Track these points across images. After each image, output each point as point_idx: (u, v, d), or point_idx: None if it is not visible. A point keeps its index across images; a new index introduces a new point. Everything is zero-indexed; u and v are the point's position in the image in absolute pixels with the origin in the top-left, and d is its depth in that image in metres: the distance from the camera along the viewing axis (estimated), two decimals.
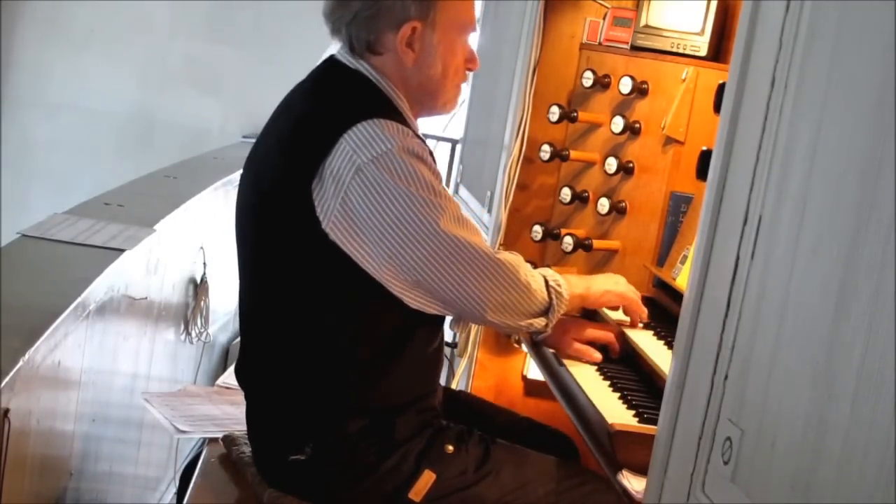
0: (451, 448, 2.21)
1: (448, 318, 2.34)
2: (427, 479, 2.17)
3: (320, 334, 2.17)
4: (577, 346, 2.46)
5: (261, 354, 2.28)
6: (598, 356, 2.45)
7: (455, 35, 2.26)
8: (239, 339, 2.40)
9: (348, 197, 2.06)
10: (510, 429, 2.44)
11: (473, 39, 2.35)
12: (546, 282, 2.26)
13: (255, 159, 2.29)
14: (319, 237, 2.08)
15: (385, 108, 2.17)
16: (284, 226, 2.14)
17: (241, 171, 2.35)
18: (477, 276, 2.13)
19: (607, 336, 2.49)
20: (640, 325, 2.54)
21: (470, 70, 2.33)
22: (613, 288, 2.49)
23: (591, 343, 2.48)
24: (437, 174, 2.14)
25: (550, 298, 2.25)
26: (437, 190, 2.11)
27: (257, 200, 2.22)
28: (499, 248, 3.10)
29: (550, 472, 2.28)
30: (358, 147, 2.06)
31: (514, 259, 2.22)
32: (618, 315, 2.62)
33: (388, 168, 2.06)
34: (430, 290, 2.12)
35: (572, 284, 2.35)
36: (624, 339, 2.53)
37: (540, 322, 2.26)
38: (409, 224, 2.07)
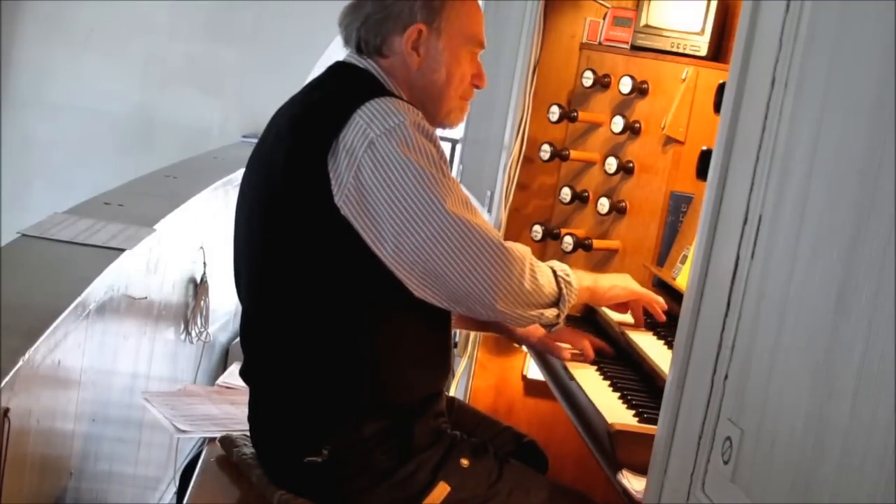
0: (466, 462, 2.22)
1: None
2: (441, 490, 2.17)
3: (329, 329, 2.15)
4: (549, 341, 2.49)
5: (268, 352, 2.27)
6: (567, 355, 2.48)
7: (460, 44, 2.28)
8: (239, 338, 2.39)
9: (361, 171, 2.06)
10: (493, 441, 2.43)
11: (483, 59, 2.37)
12: (554, 272, 2.23)
13: (263, 151, 2.28)
14: (334, 213, 2.07)
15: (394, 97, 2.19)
16: (300, 203, 2.13)
17: (241, 170, 2.35)
18: (485, 262, 2.08)
19: (580, 342, 2.52)
20: (663, 318, 2.54)
21: (477, 87, 2.35)
22: (621, 282, 2.50)
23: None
24: (444, 156, 2.14)
25: (560, 288, 2.22)
26: (445, 171, 2.11)
27: (269, 186, 2.20)
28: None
29: (557, 501, 2.29)
30: (371, 120, 2.08)
31: (521, 248, 2.19)
32: (619, 317, 2.62)
33: (400, 140, 2.07)
34: (437, 275, 2.08)
35: (581, 277, 2.34)
36: (625, 340, 2.53)
37: (551, 313, 2.22)
38: (417, 200, 2.06)
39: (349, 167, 2.07)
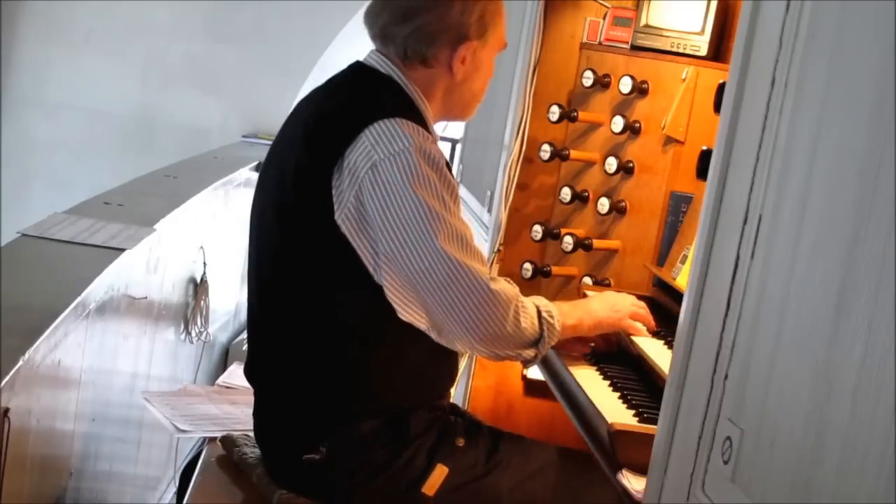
0: (461, 441, 2.23)
1: None
2: (440, 473, 2.18)
3: (329, 337, 2.17)
4: None
5: (273, 352, 2.28)
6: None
7: (494, 53, 2.34)
8: (239, 338, 2.40)
9: (361, 191, 2.08)
10: None
11: None
12: (539, 313, 2.23)
13: (278, 155, 2.29)
14: (334, 228, 2.09)
15: (410, 112, 2.19)
16: (306, 216, 2.15)
17: (241, 170, 2.36)
18: (468, 303, 2.10)
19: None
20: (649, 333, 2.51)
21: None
22: (610, 316, 2.44)
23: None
24: (449, 186, 2.13)
25: (542, 330, 2.22)
26: (447, 204, 2.11)
27: (282, 194, 2.22)
28: (495, 254, 3.11)
29: (558, 461, 2.32)
30: (377, 143, 2.09)
31: (509, 290, 2.18)
32: None
33: (402, 166, 2.07)
34: (422, 305, 2.11)
35: (565, 315, 2.31)
36: (625, 340, 2.53)
37: (529, 353, 2.23)
38: (412, 231, 2.06)
39: (351, 186, 2.08)
